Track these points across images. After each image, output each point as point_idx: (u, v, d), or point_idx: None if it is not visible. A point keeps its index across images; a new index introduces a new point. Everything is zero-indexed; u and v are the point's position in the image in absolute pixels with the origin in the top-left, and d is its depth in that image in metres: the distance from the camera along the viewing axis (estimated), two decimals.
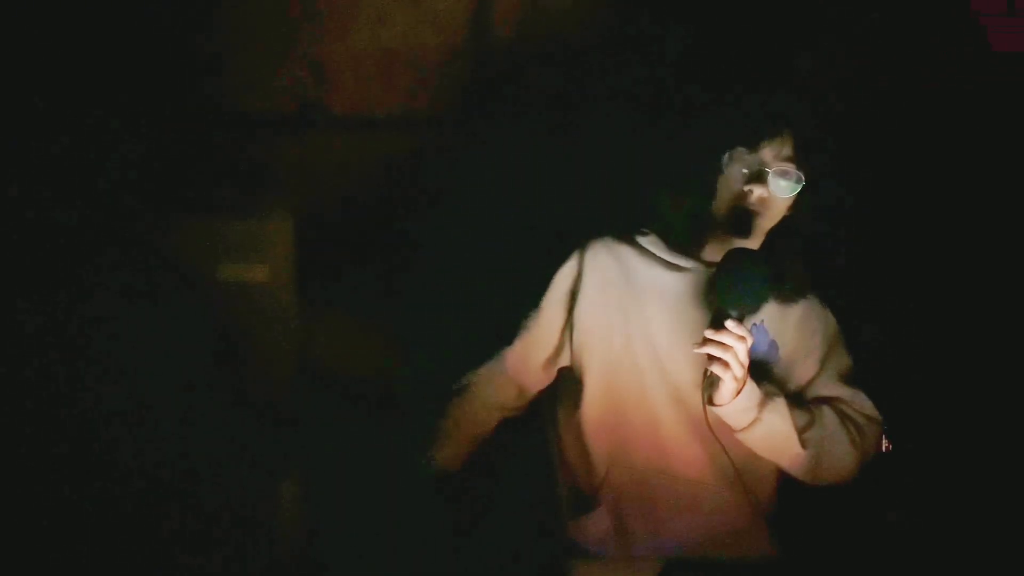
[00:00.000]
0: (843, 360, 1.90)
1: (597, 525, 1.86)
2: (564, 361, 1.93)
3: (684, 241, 1.89)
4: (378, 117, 2.27)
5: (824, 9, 2.20)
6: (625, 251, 1.91)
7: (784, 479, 1.89)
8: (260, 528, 1.91)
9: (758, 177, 1.75)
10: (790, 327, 1.87)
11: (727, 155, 1.76)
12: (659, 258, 1.89)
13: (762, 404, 1.76)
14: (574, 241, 1.94)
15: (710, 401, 1.74)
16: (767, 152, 1.76)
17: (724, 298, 1.70)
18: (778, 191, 1.76)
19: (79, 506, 1.85)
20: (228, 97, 2.22)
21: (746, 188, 1.76)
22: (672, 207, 1.89)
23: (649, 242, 1.91)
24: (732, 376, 1.68)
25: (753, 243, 1.81)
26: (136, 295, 1.89)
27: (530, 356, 1.94)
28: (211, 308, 1.93)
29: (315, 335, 2.12)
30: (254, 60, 2.20)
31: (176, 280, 1.91)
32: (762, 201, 1.77)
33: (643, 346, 1.85)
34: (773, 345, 1.85)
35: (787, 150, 1.76)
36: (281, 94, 2.22)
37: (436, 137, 2.29)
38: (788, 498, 1.92)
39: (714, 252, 1.84)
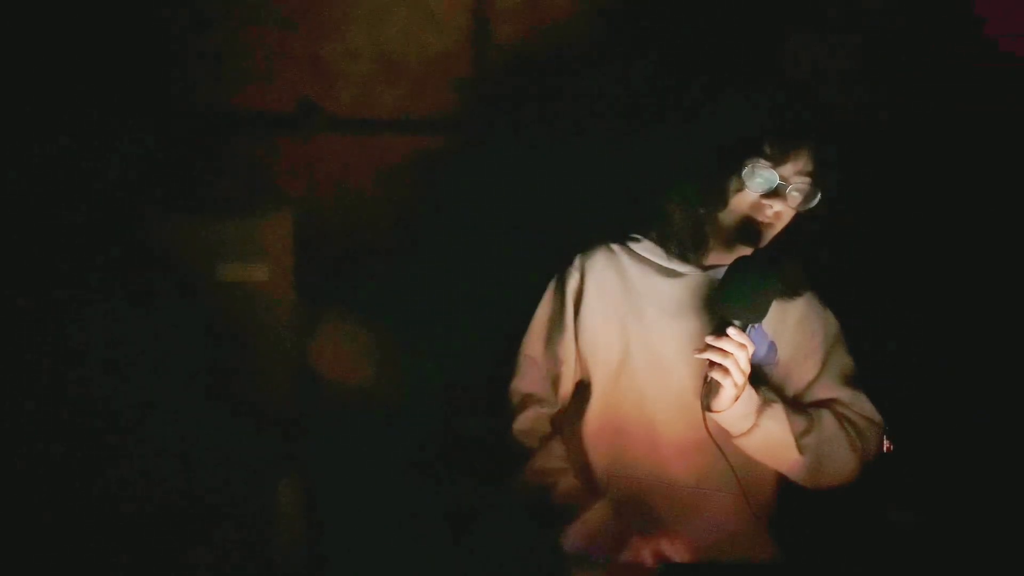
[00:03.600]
0: (844, 361, 1.89)
1: (597, 530, 1.85)
2: (578, 373, 1.91)
3: (685, 247, 1.87)
4: (378, 117, 2.27)
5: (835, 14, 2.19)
6: (622, 259, 1.89)
7: (784, 483, 1.88)
8: (260, 528, 1.92)
9: (776, 191, 1.74)
10: (789, 328, 1.86)
11: (748, 167, 1.74)
12: (656, 264, 1.88)
13: (760, 410, 1.75)
14: (573, 243, 1.94)
15: (708, 407, 1.73)
16: (788, 166, 1.74)
17: (729, 308, 1.69)
18: (795, 205, 1.75)
19: (79, 506, 1.85)
20: (228, 97, 2.22)
21: (764, 201, 1.74)
22: (679, 213, 1.86)
23: (644, 248, 1.90)
24: (732, 383, 1.67)
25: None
26: (135, 294, 1.89)
27: (549, 373, 1.90)
28: (210, 308, 1.93)
29: (314, 335, 2.13)
30: (254, 59, 2.20)
31: (175, 279, 1.92)
32: (778, 215, 1.76)
33: (643, 353, 1.84)
34: (772, 347, 1.84)
35: (807, 164, 1.74)
36: (281, 94, 2.22)
37: (435, 137, 2.29)
38: (788, 499, 1.91)
39: (715, 257, 1.83)
